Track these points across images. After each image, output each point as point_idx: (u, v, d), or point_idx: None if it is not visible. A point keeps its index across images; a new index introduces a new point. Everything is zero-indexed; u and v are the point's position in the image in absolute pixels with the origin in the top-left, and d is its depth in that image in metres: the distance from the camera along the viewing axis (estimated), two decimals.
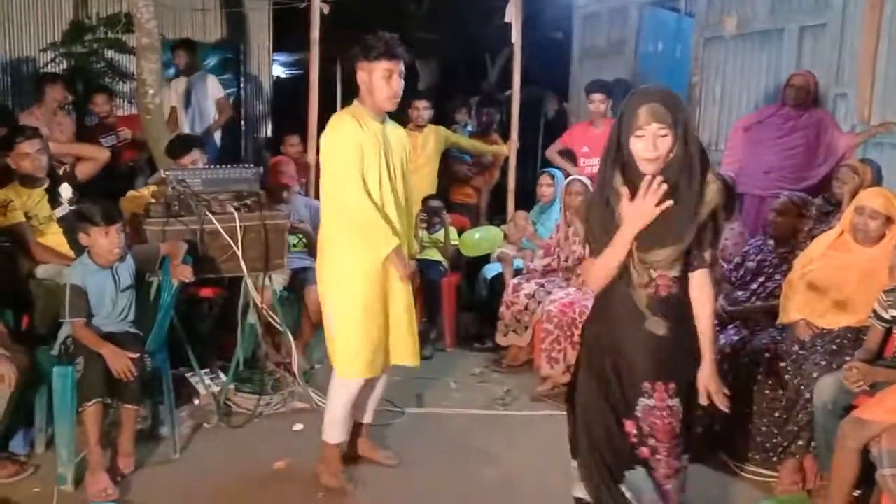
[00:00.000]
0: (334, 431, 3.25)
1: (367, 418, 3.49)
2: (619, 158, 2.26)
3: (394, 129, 3.23)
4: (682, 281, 2.29)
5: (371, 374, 3.19)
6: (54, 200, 3.96)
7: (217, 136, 6.65)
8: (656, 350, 2.29)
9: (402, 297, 3.23)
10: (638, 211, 2.19)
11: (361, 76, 3.08)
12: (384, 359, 3.23)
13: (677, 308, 2.30)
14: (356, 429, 3.47)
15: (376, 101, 3.09)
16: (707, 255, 2.30)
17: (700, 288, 2.32)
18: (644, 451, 2.32)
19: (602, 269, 2.29)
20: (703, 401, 2.36)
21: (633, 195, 2.21)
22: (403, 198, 3.23)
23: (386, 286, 3.17)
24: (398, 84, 3.08)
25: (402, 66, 3.09)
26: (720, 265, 3.75)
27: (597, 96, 5.60)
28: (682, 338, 2.32)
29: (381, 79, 3.04)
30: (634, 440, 2.32)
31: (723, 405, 2.35)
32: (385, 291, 3.17)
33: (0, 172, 4.27)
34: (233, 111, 6.87)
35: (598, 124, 5.64)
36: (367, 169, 3.05)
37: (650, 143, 2.18)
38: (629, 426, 2.33)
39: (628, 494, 2.32)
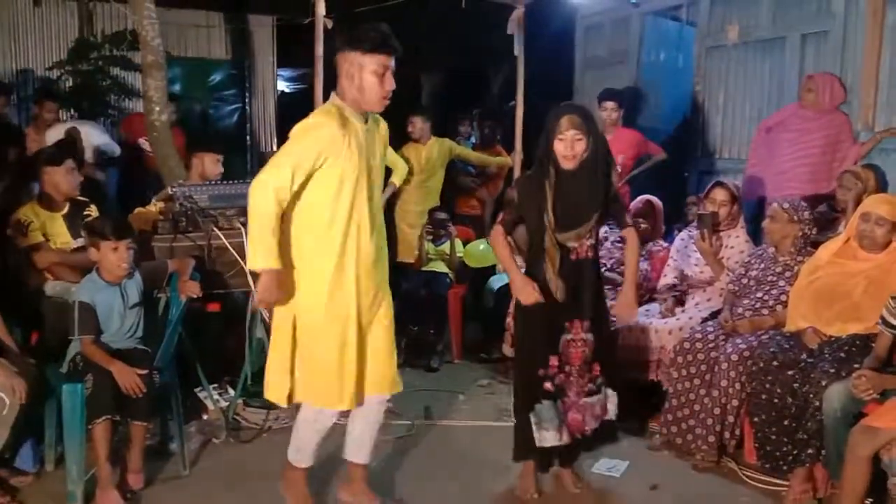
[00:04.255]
0: (302, 456, 3.00)
1: (358, 457, 3.11)
2: (548, 155, 3.00)
3: (375, 126, 2.89)
4: (596, 247, 3.14)
5: (343, 407, 2.89)
6: (75, 229, 3.96)
7: None
8: (575, 298, 3.10)
9: (381, 321, 2.94)
10: (522, 292, 3.09)
11: (347, 70, 2.67)
12: (360, 390, 2.90)
13: (592, 265, 3.14)
14: (350, 469, 3.16)
15: (365, 100, 2.72)
16: (626, 217, 3.25)
17: (628, 240, 3.24)
18: (557, 381, 3.14)
19: (498, 255, 3.29)
20: (616, 314, 3.32)
21: (557, 178, 3.00)
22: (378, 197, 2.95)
23: (361, 308, 2.85)
24: (391, 82, 2.70)
25: (393, 63, 2.70)
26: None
27: (609, 104, 5.60)
28: (594, 286, 3.16)
29: (372, 74, 2.66)
30: (552, 372, 3.12)
31: (630, 320, 3.50)
32: (360, 314, 2.85)
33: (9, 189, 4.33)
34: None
35: (609, 131, 5.63)
36: (343, 176, 2.71)
37: (569, 146, 2.93)
38: (553, 360, 3.11)
39: (533, 419, 3.12)
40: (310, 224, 2.79)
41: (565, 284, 3.08)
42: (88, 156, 5.65)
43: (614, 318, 3.45)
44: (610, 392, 3.29)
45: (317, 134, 2.69)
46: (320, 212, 2.76)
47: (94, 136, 5.88)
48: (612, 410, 3.30)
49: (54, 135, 5.57)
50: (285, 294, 2.81)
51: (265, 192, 2.69)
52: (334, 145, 2.68)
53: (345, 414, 3.06)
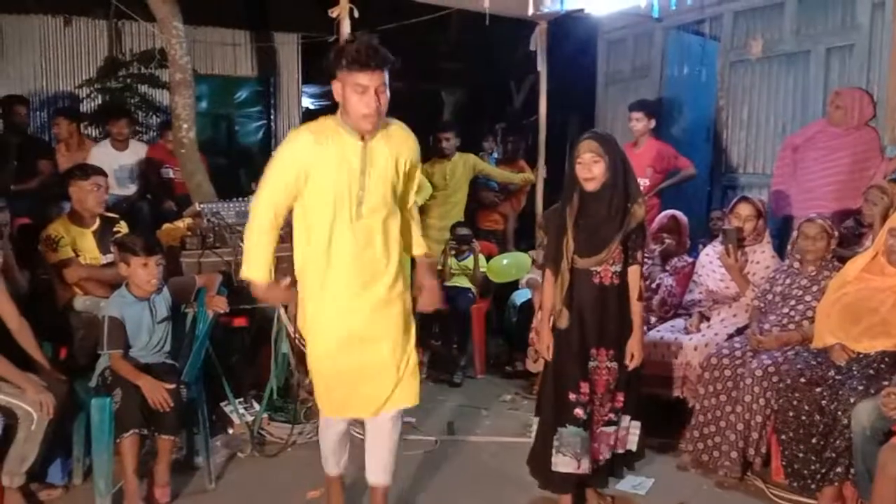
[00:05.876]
0: (326, 464, 3.09)
1: (375, 478, 3.02)
2: (572, 180, 3.09)
3: (386, 141, 2.73)
4: (623, 274, 3.10)
5: (340, 415, 2.96)
6: (104, 245, 4.02)
7: None
8: (600, 325, 3.10)
9: (382, 335, 2.83)
10: (540, 343, 3.24)
11: (335, 87, 2.64)
12: (365, 404, 2.88)
13: (618, 293, 3.10)
14: (370, 493, 3.09)
15: (351, 119, 2.64)
16: (638, 255, 3.13)
17: (631, 277, 3.12)
18: (588, 409, 3.10)
19: (543, 297, 3.23)
20: (626, 361, 3.13)
21: (580, 207, 3.07)
22: (385, 213, 2.77)
23: (362, 322, 2.79)
24: (374, 101, 2.57)
25: (384, 78, 2.59)
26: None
27: (636, 114, 5.54)
28: (621, 314, 3.12)
29: (353, 93, 2.57)
30: (584, 399, 3.08)
31: (634, 364, 3.14)
32: (360, 328, 2.79)
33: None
34: None
35: (640, 142, 5.60)
36: (319, 190, 2.68)
37: (587, 168, 3.02)
38: (584, 387, 3.08)
39: (555, 442, 3.10)
40: (297, 238, 2.83)
41: (588, 310, 3.09)
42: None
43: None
44: (633, 423, 3.25)
45: (287, 154, 2.72)
46: (302, 227, 2.79)
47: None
48: (632, 441, 3.27)
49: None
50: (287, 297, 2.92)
51: (253, 217, 2.77)
52: (305, 157, 2.67)
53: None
